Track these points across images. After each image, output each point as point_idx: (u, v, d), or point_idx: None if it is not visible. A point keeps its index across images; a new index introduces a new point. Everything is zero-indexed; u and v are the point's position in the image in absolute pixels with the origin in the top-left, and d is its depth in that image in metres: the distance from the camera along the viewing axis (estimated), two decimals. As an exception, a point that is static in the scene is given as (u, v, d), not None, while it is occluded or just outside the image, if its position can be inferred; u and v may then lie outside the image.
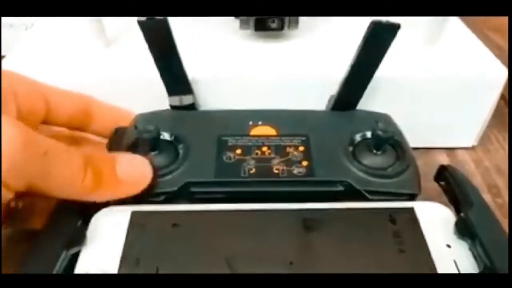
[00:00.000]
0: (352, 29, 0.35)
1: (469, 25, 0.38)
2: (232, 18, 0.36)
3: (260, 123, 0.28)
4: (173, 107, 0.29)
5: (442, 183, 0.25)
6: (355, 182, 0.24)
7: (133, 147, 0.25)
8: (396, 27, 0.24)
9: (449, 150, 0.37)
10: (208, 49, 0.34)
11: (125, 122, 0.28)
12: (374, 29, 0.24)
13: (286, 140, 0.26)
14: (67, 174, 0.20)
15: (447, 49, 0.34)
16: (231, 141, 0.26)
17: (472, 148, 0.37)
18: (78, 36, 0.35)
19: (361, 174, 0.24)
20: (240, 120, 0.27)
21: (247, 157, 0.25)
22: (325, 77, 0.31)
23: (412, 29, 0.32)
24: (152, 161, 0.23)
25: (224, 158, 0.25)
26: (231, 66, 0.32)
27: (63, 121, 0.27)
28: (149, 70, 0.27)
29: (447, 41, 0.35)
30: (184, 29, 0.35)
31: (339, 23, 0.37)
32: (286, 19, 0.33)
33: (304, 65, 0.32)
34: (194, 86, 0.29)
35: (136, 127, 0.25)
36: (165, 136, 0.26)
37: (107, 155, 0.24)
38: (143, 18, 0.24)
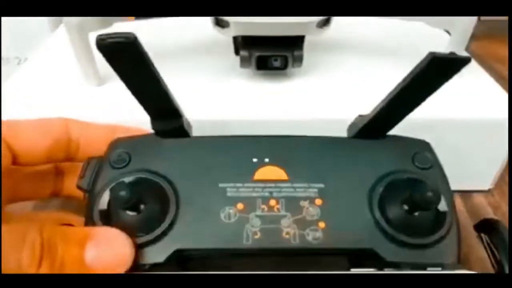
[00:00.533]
0: (359, 67, 0.35)
1: (476, 58, 0.36)
2: (232, 55, 0.35)
3: (267, 160, 0.23)
4: (157, 132, 0.24)
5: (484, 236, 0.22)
6: (383, 252, 0.20)
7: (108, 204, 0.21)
8: (465, 61, 0.19)
9: (465, 193, 0.35)
10: (205, 88, 0.32)
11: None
12: (433, 61, 0.19)
13: (299, 189, 0.22)
14: (12, 262, 0.17)
15: (461, 89, 0.32)
16: (231, 191, 0.22)
17: (489, 191, 0.35)
18: (70, 72, 0.33)
19: (390, 243, 0.21)
20: (242, 156, 0.23)
21: (251, 215, 0.21)
22: (333, 121, 0.29)
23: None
24: (134, 233, 0.20)
25: (223, 216, 0.21)
26: (229, 108, 0.30)
27: (38, 159, 0.23)
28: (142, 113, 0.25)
29: (460, 80, 0.33)
30: (178, 65, 0.34)
31: (345, 60, 0.36)
32: (290, 57, 0.31)
33: (310, 107, 0.30)
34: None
35: (111, 165, 0.22)
36: (148, 181, 0.22)
37: (77, 233, 0.19)
38: (105, 37, 0.17)
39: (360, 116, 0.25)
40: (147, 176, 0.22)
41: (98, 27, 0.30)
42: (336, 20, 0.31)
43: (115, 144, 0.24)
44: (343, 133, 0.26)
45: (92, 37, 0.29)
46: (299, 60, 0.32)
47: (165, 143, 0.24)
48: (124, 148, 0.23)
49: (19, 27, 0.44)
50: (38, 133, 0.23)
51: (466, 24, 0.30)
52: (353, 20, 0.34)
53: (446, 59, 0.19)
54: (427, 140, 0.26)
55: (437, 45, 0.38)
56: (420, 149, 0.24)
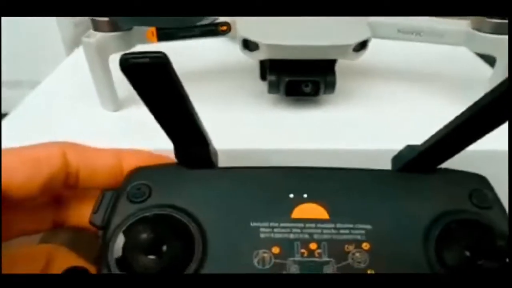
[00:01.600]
0: (395, 94, 0.33)
1: None
2: (258, 79, 0.33)
3: (305, 196, 0.20)
4: (181, 162, 0.21)
5: None
6: None
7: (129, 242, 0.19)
8: None
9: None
10: (229, 116, 0.30)
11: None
12: (509, 89, 0.16)
13: (343, 230, 0.19)
14: None
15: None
16: (265, 231, 0.19)
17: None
18: (85, 96, 0.31)
19: None
20: (277, 190, 0.20)
21: (289, 261, 0.19)
22: (370, 152, 0.26)
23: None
24: None
25: (256, 261, 0.18)
26: (256, 137, 0.28)
27: (33, 195, 0.20)
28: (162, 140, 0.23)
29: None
30: (202, 90, 0.32)
31: (379, 87, 0.34)
32: (322, 83, 0.29)
33: (344, 137, 0.28)
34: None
35: (129, 199, 0.20)
36: (171, 219, 0.19)
37: None
38: (131, 57, 0.15)
39: (409, 146, 0.22)
40: (169, 213, 0.20)
41: (118, 49, 0.28)
42: (371, 44, 0.29)
43: (134, 174, 0.21)
44: (382, 166, 0.23)
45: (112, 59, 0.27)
46: (331, 86, 0.29)
47: (190, 175, 0.21)
48: (144, 179, 0.21)
49: (33, 49, 0.43)
50: (30, 168, 0.20)
51: (514, 49, 0.27)
52: (388, 44, 0.31)
53: None
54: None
55: (479, 73, 0.36)
56: (477, 185, 0.21)
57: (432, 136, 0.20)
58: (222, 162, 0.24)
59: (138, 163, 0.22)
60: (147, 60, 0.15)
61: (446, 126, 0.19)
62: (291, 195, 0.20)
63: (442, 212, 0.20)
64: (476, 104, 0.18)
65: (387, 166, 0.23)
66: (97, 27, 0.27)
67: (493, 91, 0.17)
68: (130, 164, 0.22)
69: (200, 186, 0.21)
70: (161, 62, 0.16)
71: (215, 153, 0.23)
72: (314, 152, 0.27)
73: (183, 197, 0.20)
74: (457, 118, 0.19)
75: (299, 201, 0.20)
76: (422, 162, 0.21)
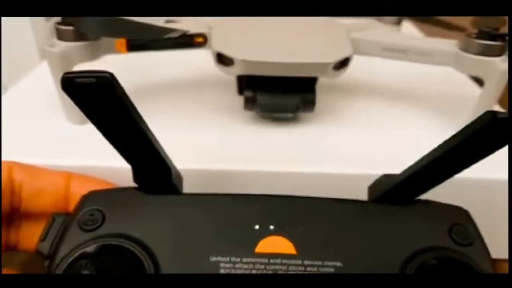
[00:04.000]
0: (378, 115, 0.31)
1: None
2: (234, 94, 0.31)
3: (271, 228, 0.19)
4: (140, 187, 0.20)
5: None
6: None
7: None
8: None
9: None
10: (199, 133, 0.28)
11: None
12: (494, 123, 0.15)
13: (311, 267, 0.18)
14: None
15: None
16: (225, 266, 0.18)
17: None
18: (51, 107, 0.29)
19: None
20: (241, 221, 0.19)
21: None
22: (348, 177, 0.25)
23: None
24: None
25: None
26: (227, 156, 0.26)
27: None
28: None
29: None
30: (172, 103, 0.31)
31: (362, 106, 0.32)
32: (300, 101, 0.28)
33: (321, 159, 0.26)
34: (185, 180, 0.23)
35: (80, 227, 0.18)
36: (122, 250, 0.18)
37: None
38: (73, 76, 0.14)
39: (385, 176, 0.21)
40: (122, 244, 0.18)
41: (84, 59, 0.26)
42: (353, 62, 0.28)
43: (87, 198, 0.20)
44: (359, 191, 0.22)
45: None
46: (311, 104, 0.28)
47: (148, 201, 0.20)
48: (98, 204, 0.19)
49: (6, 53, 0.41)
50: None
51: (502, 71, 0.26)
52: (369, 61, 0.30)
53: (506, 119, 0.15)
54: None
55: (466, 92, 0.35)
56: (458, 220, 0.20)
57: (411, 167, 0.19)
58: (189, 184, 0.23)
59: (85, 189, 0.20)
60: (92, 80, 0.14)
61: (425, 156, 0.18)
62: (256, 227, 0.19)
63: (419, 249, 0.19)
64: (457, 135, 0.16)
65: (365, 192, 0.22)
66: (61, 36, 0.25)
67: (474, 123, 0.16)
68: (76, 190, 0.21)
69: (159, 214, 0.19)
70: (107, 82, 0.14)
71: (179, 177, 0.21)
72: (288, 175, 0.25)
73: (139, 226, 0.19)
74: (437, 148, 0.17)
75: (265, 233, 0.19)
76: (399, 193, 0.20)
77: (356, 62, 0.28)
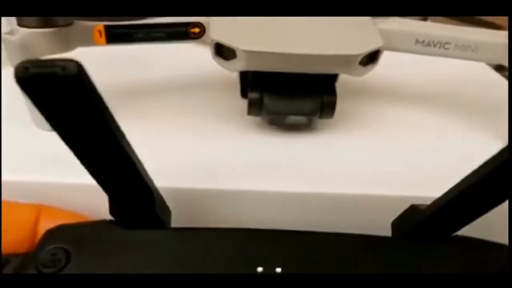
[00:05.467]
0: (405, 121, 0.27)
1: None
2: (238, 97, 0.27)
3: (278, 271, 0.15)
4: (116, 220, 0.17)
5: None
6: None
7: None
8: None
9: None
10: (195, 144, 0.24)
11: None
12: None
13: None
14: None
15: None
16: None
17: None
18: (19, 111, 0.24)
19: None
20: (241, 263, 0.16)
21: None
22: (373, 197, 0.20)
23: None
24: None
25: None
26: (227, 174, 0.21)
27: None
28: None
29: None
30: (163, 106, 0.27)
31: (388, 111, 0.28)
32: (317, 105, 0.23)
33: (341, 176, 0.21)
34: (172, 200, 0.18)
35: (37, 269, 0.15)
36: None
37: None
38: (30, 65, 0.11)
39: (413, 207, 0.17)
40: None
41: (51, 51, 0.22)
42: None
43: (50, 234, 0.17)
44: (386, 216, 0.18)
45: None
46: (330, 109, 0.23)
47: (125, 237, 0.16)
48: (62, 241, 0.16)
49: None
50: None
51: None
52: (402, 57, 0.25)
53: None
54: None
55: (499, 94, 0.30)
56: (503, 259, 0.17)
57: (444, 195, 0.16)
58: (180, 204, 0.19)
59: (57, 222, 0.17)
60: (53, 70, 0.11)
61: (455, 187, 0.16)
62: (260, 269, 0.16)
63: None
64: (478, 171, 0.14)
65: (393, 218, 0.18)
66: (22, 22, 0.21)
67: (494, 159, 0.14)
68: (46, 225, 0.18)
69: (137, 254, 0.16)
70: (73, 73, 0.11)
71: (164, 208, 0.17)
72: (301, 196, 0.20)
73: (110, 269, 0.15)
74: (465, 179, 0.15)
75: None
76: (429, 228, 0.17)
77: (383, 59, 0.23)
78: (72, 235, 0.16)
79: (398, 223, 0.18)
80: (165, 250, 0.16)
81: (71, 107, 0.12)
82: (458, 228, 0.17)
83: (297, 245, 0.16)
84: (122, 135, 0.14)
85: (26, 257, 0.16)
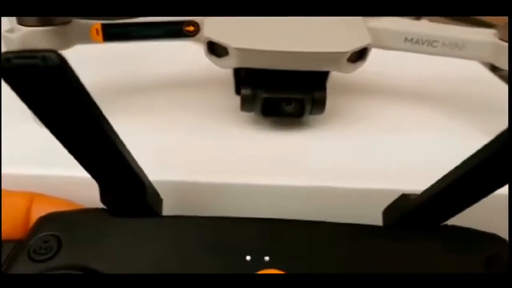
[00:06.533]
0: (397, 117, 0.27)
1: None
2: (231, 93, 0.27)
3: (266, 259, 0.16)
4: (108, 208, 0.17)
5: None
6: None
7: None
8: None
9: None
10: (189, 139, 0.24)
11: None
12: None
13: None
14: None
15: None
16: None
17: None
18: (17, 106, 0.25)
19: None
20: (230, 252, 0.16)
21: None
22: (363, 191, 0.21)
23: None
24: None
25: None
26: (220, 167, 0.22)
27: None
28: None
29: None
30: (158, 103, 0.27)
31: (379, 107, 0.28)
32: (308, 101, 0.23)
33: (332, 170, 0.22)
34: (167, 193, 0.18)
35: (29, 256, 0.16)
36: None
37: None
38: (12, 56, 0.11)
39: (403, 196, 0.17)
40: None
41: (50, 48, 0.22)
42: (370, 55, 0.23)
43: (42, 222, 0.17)
44: (376, 211, 0.18)
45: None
46: (320, 105, 0.24)
47: (115, 226, 0.16)
48: (54, 229, 0.16)
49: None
50: None
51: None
52: (390, 54, 0.25)
53: None
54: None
55: (495, 93, 0.31)
56: (495, 249, 0.17)
57: (434, 185, 0.16)
58: (172, 198, 0.19)
59: (49, 210, 0.18)
60: (33, 61, 0.11)
61: (450, 173, 0.15)
62: (248, 257, 0.16)
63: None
64: (474, 156, 0.14)
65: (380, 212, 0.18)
66: (22, 20, 0.21)
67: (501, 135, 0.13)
68: (39, 213, 0.18)
69: (128, 241, 0.16)
70: (54, 65, 0.11)
71: (156, 196, 0.18)
72: (291, 189, 0.21)
73: (101, 257, 0.16)
74: (462, 164, 0.15)
75: (258, 266, 0.15)
76: (420, 217, 0.17)
77: (373, 56, 0.24)
78: (63, 223, 0.17)
79: (389, 212, 0.18)
80: (156, 238, 0.16)
81: (53, 97, 0.12)
82: (448, 217, 0.17)
83: (286, 233, 0.17)
84: (108, 125, 0.14)
85: (19, 244, 0.17)
